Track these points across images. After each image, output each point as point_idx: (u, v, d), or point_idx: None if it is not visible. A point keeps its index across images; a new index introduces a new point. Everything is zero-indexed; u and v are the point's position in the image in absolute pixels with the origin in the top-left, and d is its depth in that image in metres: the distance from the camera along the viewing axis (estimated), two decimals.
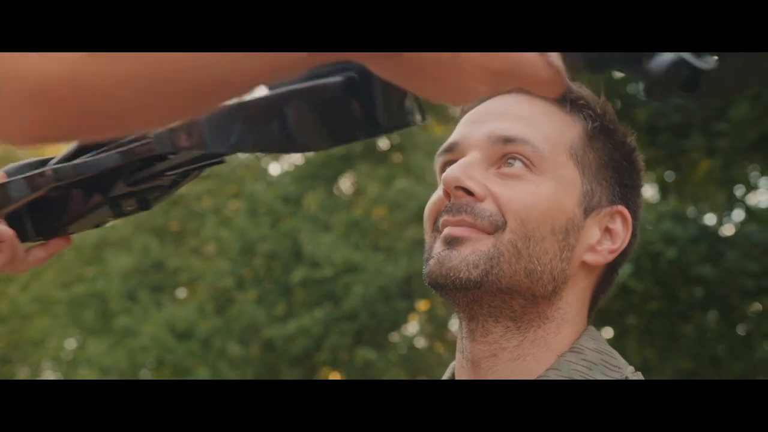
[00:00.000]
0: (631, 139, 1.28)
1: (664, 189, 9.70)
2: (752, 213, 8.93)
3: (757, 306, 8.86)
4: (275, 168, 15.29)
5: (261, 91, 0.78)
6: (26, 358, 14.76)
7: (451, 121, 12.97)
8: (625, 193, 1.26)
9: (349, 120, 0.78)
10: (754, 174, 9.09)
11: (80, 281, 14.55)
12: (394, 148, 14.74)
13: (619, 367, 1.16)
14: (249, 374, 13.09)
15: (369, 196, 13.72)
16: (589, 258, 1.22)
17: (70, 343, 14.86)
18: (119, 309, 13.88)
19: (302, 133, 0.77)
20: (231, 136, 0.78)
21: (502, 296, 1.18)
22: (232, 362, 13.02)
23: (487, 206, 1.17)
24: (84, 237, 15.01)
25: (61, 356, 14.72)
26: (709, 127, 7.67)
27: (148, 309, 13.70)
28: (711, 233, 8.26)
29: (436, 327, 14.16)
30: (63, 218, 1.05)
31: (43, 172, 0.95)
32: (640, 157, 1.29)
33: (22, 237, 1.06)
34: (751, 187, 9.21)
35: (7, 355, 14.91)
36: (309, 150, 0.78)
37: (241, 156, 15.43)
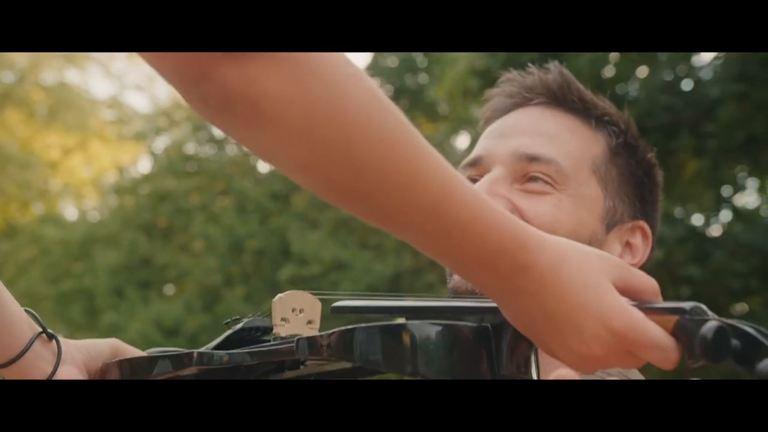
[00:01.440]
0: (652, 155, 1.30)
1: None
2: (739, 214, 8.96)
3: (743, 306, 8.89)
4: (264, 165, 15.27)
5: (400, 320, 0.86)
6: None
7: (440, 120, 12.87)
8: (646, 208, 1.28)
9: (474, 363, 0.84)
10: (741, 175, 9.12)
11: (67, 277, 14.50)
12: None
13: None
14: None
15: None
16: None
17: None
18: (106, 305, 13.84)
19: (427, 362, 0.83)
20: (370, 353, 0.84)
21: None
22: None
23: None
24: (71, 233, 14.96)
25: None
26: (698, 128, 7.70)
27: (135, 305, 13.67)
28: (698, 233, 8.29)
29: None
30: None
31: (190, 353, 1.00)
32: (660, 173, 1.31)
33: None
34: (738, 188, 9.24)
35: None
36: (432, 378, 0.83)
37: (230, 152, 15.41)
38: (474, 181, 1.24)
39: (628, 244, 1.25)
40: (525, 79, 1.29)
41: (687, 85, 8.02)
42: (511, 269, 0.80)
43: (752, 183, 9.43)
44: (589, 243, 1.19)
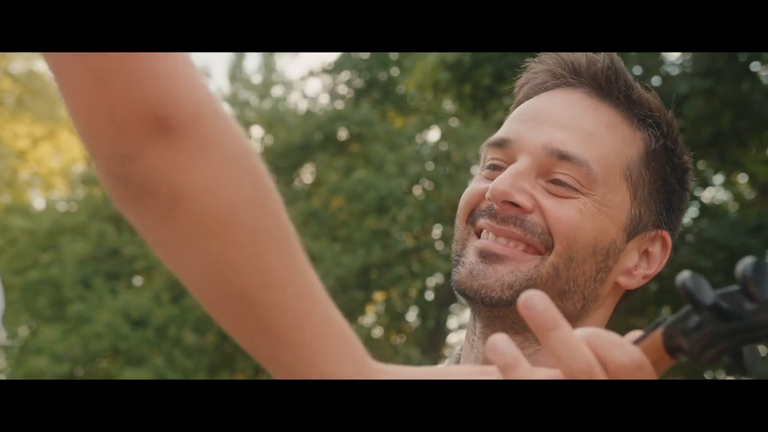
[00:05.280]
0: (688, 159, 1.24)
1: None
2: (706, 209, 9.04)
3: None
4: None
5: None
6: None
7: (412, 113, 12.80)
8: (671, 216, 1.23)
9: None
10: (708, 170, 9.21)
11: (34, 267, 14.39)
12: (353, 138, 14.72)
13: None
14: (204, 363, 13.03)
15: (328, 186, 13.69)
16: (624, 281, 1.19)
17: (23, 330, 14.69)
18: (73, 296, 13.75)
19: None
20: None
21: None
22: (187, 351, 12.96)
23: (536, 219, 1.14)
24: (38, 223, 14.84)
25: (15, 343, 14.56)
26: None
27: (102, 296, 13.58)
28: None
29: (393, 318, 14.18)
30: None
31: None
32: (692, 178, 1.25)
33: None
34: (705, 183, 9.33)
35: None
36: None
37: None
38: (497, 167, 1.18)
39: (646, 252, 1.21)
40: (572, 60, 1.21)
41: (656, 80, 8.07)
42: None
43: (719, 178, 9.52)
44: (608, 250, 1.15)
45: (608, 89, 1.19)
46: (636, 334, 0.83)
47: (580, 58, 1.21)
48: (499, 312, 1.15)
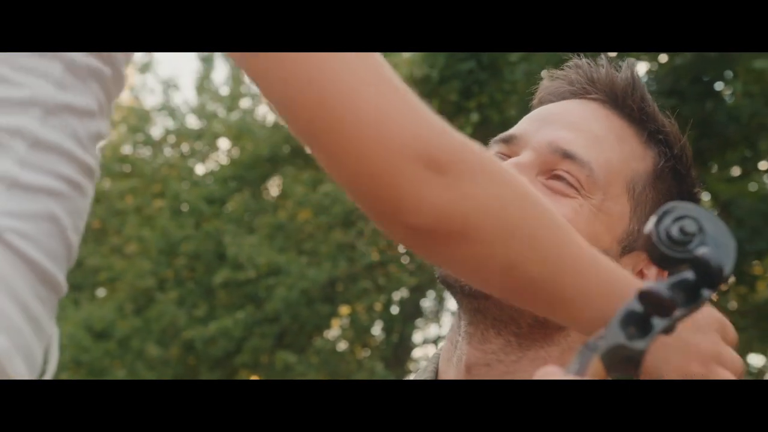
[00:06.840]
0: (698, 191, 1.22)
1: None
2: None
3: None
4: (200, 168, 15.15)
5: None
6: None
7: None
8: None
9: None
10: None
11: None
12: None
13: None
14: (167, 376, 12.92)
15: (294, 199, 13.67)
16: None
17: None
18: None
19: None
20: None
21: (509, 311, 1.13)
22: (151, 363, 12.85)
23: None
24: None
25: None
26: None
27: (65, 307, 13.44)
28: None
29: (357, 332, 14.16)
30: None
31: None
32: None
33: None
34: None
35: None
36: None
37: (166, 154, 15.25)
38: (500, 159, 1.16)
39: (640, 273, 1.16)
40: (591, 70, 1.20)
41: None
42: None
43: None
44: None
45: (623, 100, 1.20)
46: (556, 370, 0.84)
47: (600, 69, 1.22)
48: (479, 304, 1.14)
